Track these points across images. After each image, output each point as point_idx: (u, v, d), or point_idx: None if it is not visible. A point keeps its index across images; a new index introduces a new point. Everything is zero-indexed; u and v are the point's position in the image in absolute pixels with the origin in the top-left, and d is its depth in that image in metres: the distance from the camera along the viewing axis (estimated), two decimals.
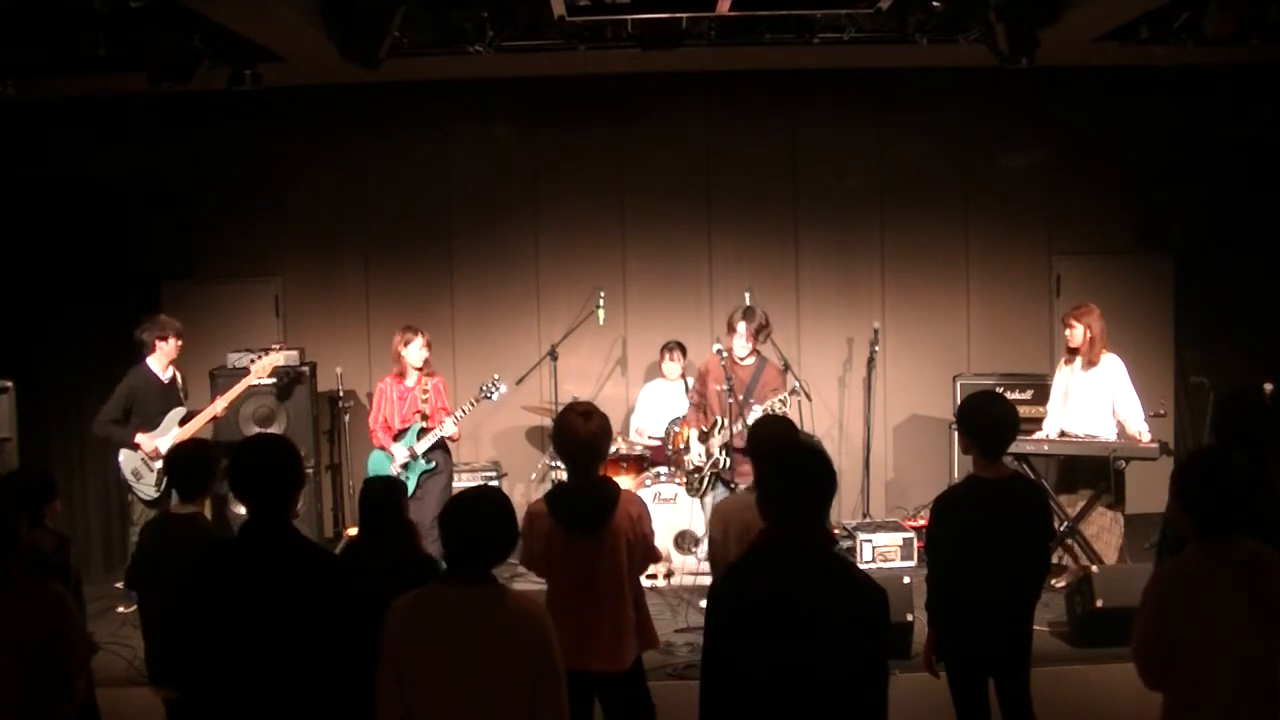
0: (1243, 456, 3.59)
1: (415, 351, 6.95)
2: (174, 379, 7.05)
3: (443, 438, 7.00)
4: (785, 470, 3.09)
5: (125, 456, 6.85)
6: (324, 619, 3.15)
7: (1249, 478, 3.32)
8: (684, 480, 7.14)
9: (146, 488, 6.81)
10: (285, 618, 3.14)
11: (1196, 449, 4.22)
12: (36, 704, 3.27)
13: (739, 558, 3.18)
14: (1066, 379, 6.97)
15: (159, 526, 4.56)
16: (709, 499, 6.86)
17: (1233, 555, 3.23)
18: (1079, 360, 6.87)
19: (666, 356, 8.03)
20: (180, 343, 7.00)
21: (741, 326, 6.79)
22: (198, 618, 3.21)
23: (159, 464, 6.74)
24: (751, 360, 6.87)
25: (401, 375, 7.05)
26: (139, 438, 6.81)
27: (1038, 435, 7.00)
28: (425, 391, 7.01)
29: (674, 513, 7.12)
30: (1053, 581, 6.62)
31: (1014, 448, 6.01)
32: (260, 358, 7.41)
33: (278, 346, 8.07)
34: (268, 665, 3.14)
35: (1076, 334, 6.81)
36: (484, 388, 7.23)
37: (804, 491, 3.03)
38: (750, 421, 6.45)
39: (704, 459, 6.82)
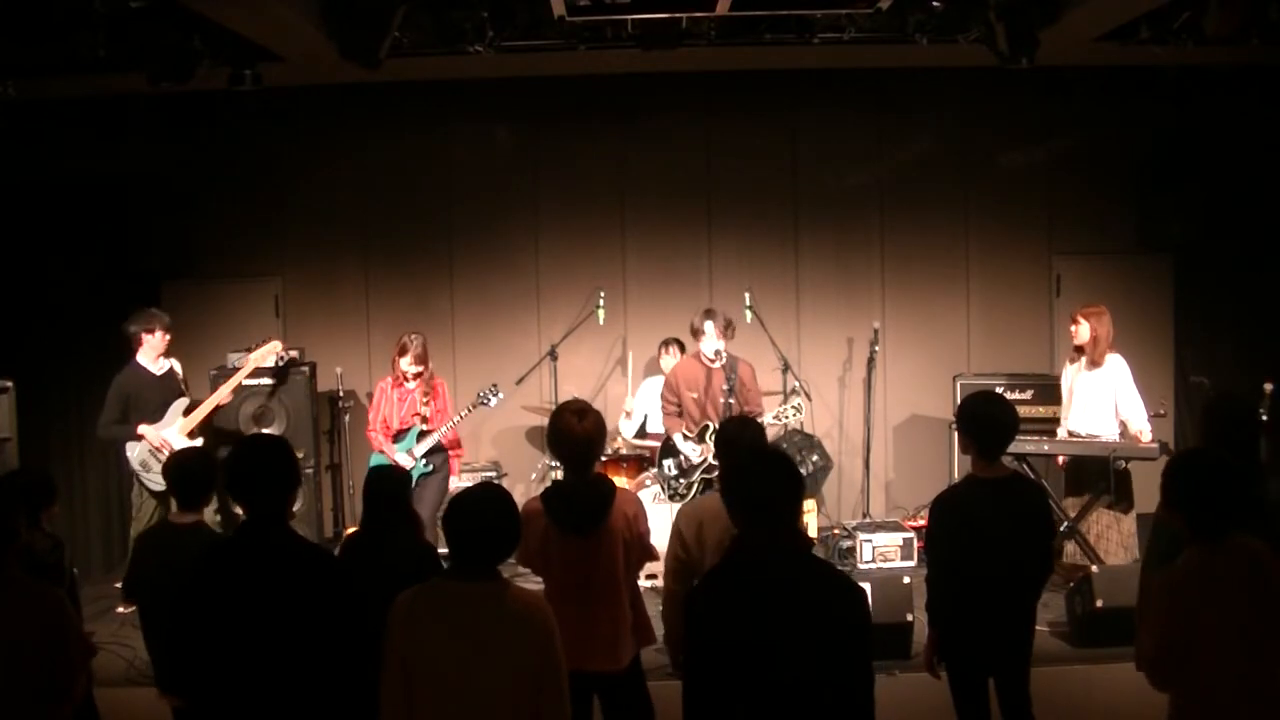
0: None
1: (407, 365, 6.96)
2: (170, 371, 6.99)
3: (442, 439, 7.00)
4: (750, 474, 3.09)
5: (132, 448, 6.83)
6: (323, 618, 3.15)
7: (1239, 474, 3.31)
8: (664, 486, 6.98)
9: (155, 478, 6.78)
10: (284, 618, 3.14)
11: (1183, 450, 4.22)
12: (34, 704, 3.27)
13: (717, 564, 3.18)
14: (1072, 378, 6.97)
15: (160, 535, 4.52)
16: None
17: (1231, 554, 3.23)
18: (1084, 359, 6.87)
19: (664, 351, 8.02)
20: (168, 335, 6.94)
21: (709, 326, 6.70)
22: (195, 620, 3.21)
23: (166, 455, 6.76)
24: (721, 361, 6.75)
25: (399, 381, 7.06)
26: (142, 428, 6.78)
27: (1038, 437, 7.01)
28: (425, 395, 7.01)
29: (673, 512, 7.08)
30: (1069, 582, 6.60)
31: (1014, 447, 6.01)
32: (261, 345, 7.36)
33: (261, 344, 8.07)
34: (268, 666, 3.14)
35: (1082, 331, 6.81)
36: (481, 395, 7.23)
37: (770, 494, 3.02)
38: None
39: (698, 458, 6.75)
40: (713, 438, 6.68)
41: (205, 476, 4.38)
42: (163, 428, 6.81)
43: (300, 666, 3.14)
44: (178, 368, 7.06)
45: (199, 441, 6.81)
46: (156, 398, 6.89)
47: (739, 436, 4.41)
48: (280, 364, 7.61)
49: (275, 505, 3.29)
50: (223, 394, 7.06)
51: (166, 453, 6.72)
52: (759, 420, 6.46)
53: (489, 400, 7.24)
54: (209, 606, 3.19)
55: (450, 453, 7.13)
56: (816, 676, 2.90)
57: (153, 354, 6.92)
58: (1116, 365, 6.79)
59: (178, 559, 4.09)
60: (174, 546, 4.23)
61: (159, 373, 6.95)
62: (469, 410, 7.18)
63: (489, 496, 3.24)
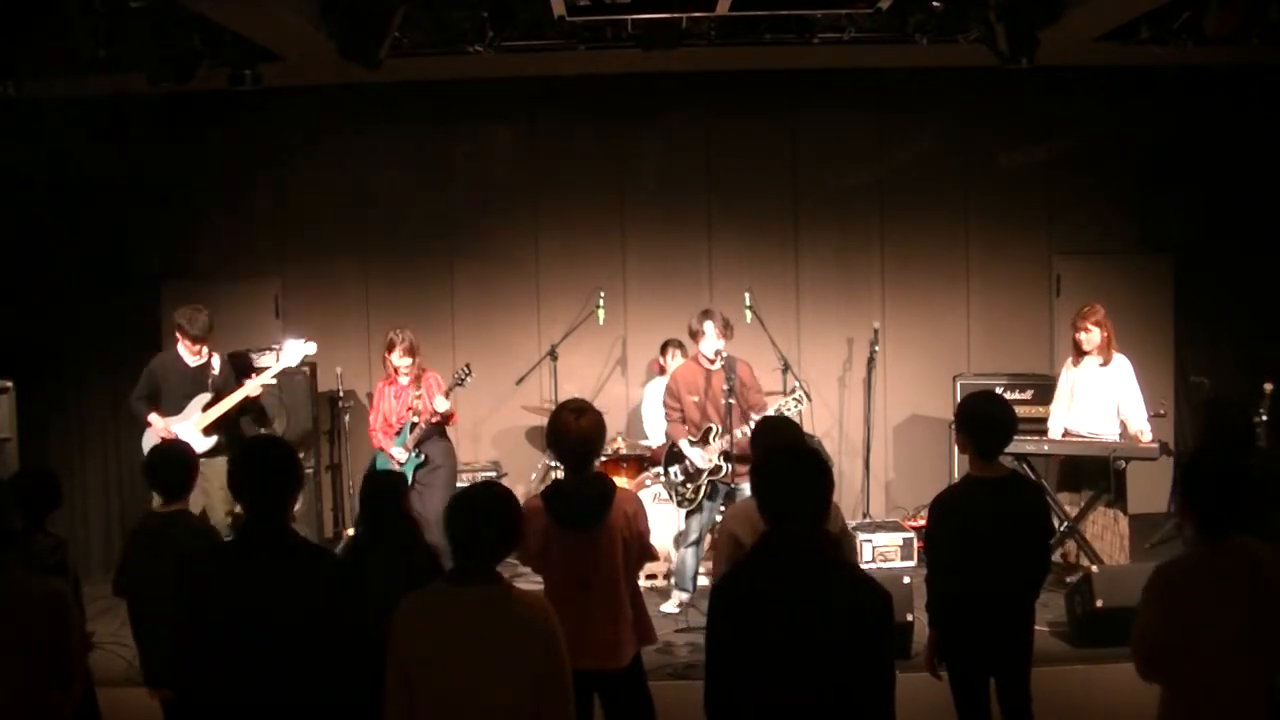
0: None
1: (397, 359, 6.98)
2: (206, 365, 6.94)
3: (438, 427, 6.99)
4: (779, 473, 3.10)
5: (148, 434, 6.85)
6: (322, 618, 3.15)
7: (1249, 476, 3.33)
8: (672, 493, 6.95)
9: None
10: (284, 618, 3.14)
11: (1200, 448, 4.26)
12: (34, 702, 3.27)
13: (741, 560, 3.19)
14: (1073, 378, 6.97)
15: (143, 529, 4.58)
16: (706, 508, 6.78)
17: (1234, 554, 3.24)
18: (1088, 360, 6.86)
19: (671, 353, 8.00)
20: (196, 345, 6.88)
21: (708, 326, 6.69)
22: (195, 619, 3.20)
23: None
24: (719, 363, 6.75)
25: (392, 379, 7.07)
26: (151, 416, 6.80)
27: (1038, 437, 7.00)
28: (418, 388, 7.02)
29: (674, 513, 7.10)
30: (1067, 579, 6.61)
31: (1014, 447, 6.01)
32: (304, 341, 7.32)
33: (278, 346, 8.07)
34: (268, 666, 3.14)
35: (1094, 337, 6.79)
36: (456, 375, 7.22)
37: (799, 493, 3.04)
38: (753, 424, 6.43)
39: (705, 463, 6.75)
40: (716, 439, 6.68)
41: (181, 470, 4.45)
42: (177, 421, 6.81)
43: (301, 666, 3.14)
44: (216, 363, 6.99)
45: (214, 439, 6.82)
46: (181, 389, 6.88)
47: (772, 436, 4.42)
48: (305, 362, 7.57)
49: (276, 506, 3.28)
50: (245, 392, 6.97)
51: None
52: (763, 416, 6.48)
53: (463, 380, 7.21)
54: (211, 604, 3.19)
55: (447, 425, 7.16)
56: (830, 677, 2.91)
57: (189, 349, 6.92)
58: (1122, 365, 6.80)
59: (162, 548, 4.18)
60: (157, 534, 4.34)
61: (193, 364, 6.92)
62: (446, 393, 7.17)
63: (488, 496, 3.23)
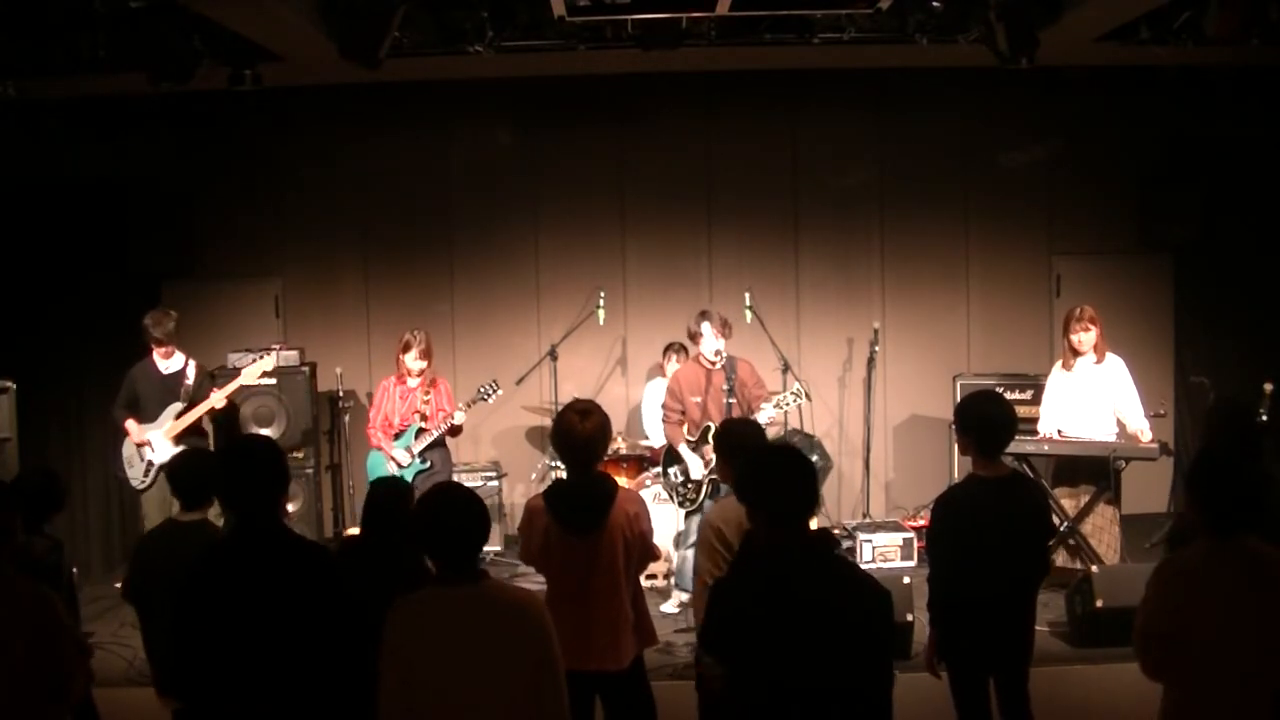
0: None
1: (411, 361, 6.96)
2: (180, 373, 6.94)
3: (443, 436, 6.99)
4: (767, 471, 3.11)
5: (126, 442, 6.89)
6: (319, 613, 3.15)
7: (1255, 477, 3.33)
8: (673, 494, 6.93)
9: (136, 475, 6.85)
10: (281, 615, 3.14)
11: (1208, 448, 4.26)
12: (28, 705, 3.26)
13: (735, 559, 3.20)
14: (1065, 381, 6.95)
15: (164, 536, 4.48)
16: (706, 508, 6.76)
17: (1239, 554, 3.25)
18: (1081, 362, 6.85)
19: (672, 357, 7.99)
20: (162, 343, 6.87)
21: (706, 327, 6.70)
22: (192, 623, 3.20)
23: (149, 453, 6.79)
24: (720, 363, 6.76)
25: (402, 378, 7.06)
26: (129, 424, 6.85)
27: (1038, 437, 7.00)
28: (426, 393, 7.01)
29: (674, 513, 7.10)
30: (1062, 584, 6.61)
31: (1014, 447, 6.00)
32: (259, 358, 7.34)
33: (278, 347, 8.08)
34: (267, 664, 3.14)
35: (1091, 336, 6.78)
36: (481, 390, 7.23)
37: (789, 490, 3.05)
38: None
39: (700, 472, 6.74)
40: (715, 438, 6.67)
41: (206, 477, 4.35)
42: (151, 428, 6.83)
43: (298, 661, 3.13)
44: (191, 370, 6.98)
45: (183, 448, 6.80)
46: (156, 397, 6.90)
47: (745, 435, 4.41)
48: (270, 372, 7.54)
49: (264, 507, 3.27)
50: (210, 404, 6.94)
51: (146, 451, 6.78)
52: (756, 416, 6.48)
53: (489, 396, 7.22)
54: (204, 608, 3.18)
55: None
56: (834, 679, 2.91)
57: (160, 354, 6.94)
58: (1117, 364, 6.80)
59: (182, 556, 4.08)
60: (177, 544, 4.19)
61: (165, 372, 6.95)
62: (467, 406, 7.17)
63: (467, 496, 3.22)
